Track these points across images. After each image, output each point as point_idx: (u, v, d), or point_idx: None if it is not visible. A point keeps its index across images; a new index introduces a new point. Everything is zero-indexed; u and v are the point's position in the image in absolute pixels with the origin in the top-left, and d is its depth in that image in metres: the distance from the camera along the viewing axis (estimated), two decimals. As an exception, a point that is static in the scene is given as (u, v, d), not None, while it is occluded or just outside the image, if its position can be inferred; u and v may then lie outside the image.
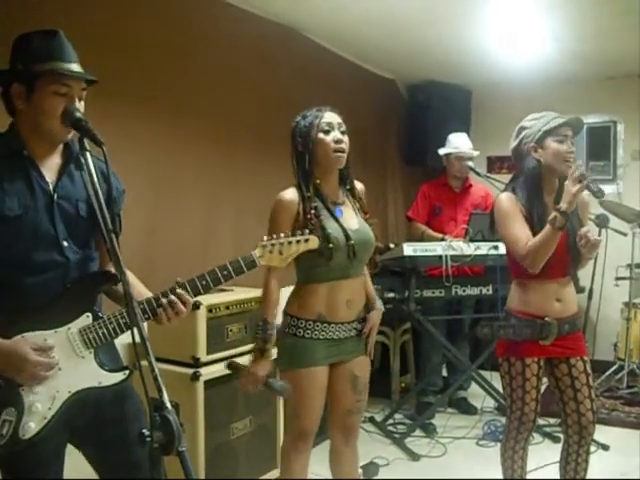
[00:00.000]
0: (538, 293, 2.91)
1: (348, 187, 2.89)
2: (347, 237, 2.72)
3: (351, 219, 2.81)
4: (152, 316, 2.04)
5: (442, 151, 5.31)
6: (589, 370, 2.98)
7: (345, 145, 2.77)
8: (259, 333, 2.73)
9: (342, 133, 2.78)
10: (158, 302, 2.03)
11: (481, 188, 5.41)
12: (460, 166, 5.18)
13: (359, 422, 3.04)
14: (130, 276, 2.14)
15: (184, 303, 2.04)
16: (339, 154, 2.75)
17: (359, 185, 2.97)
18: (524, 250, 2.79)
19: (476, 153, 5.29)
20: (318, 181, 2.78)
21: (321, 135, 2.74)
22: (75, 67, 1.98)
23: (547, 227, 2.72)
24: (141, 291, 2.15)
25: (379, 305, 2.96)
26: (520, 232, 2.84)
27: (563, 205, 2.69)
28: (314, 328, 2.75)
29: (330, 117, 2.78)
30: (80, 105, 2.00)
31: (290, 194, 2.76)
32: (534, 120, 2.97)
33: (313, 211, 2.69)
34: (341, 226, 2.73)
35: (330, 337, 2.78)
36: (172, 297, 2.03)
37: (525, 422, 2.96)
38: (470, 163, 5.14)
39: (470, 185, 5.37)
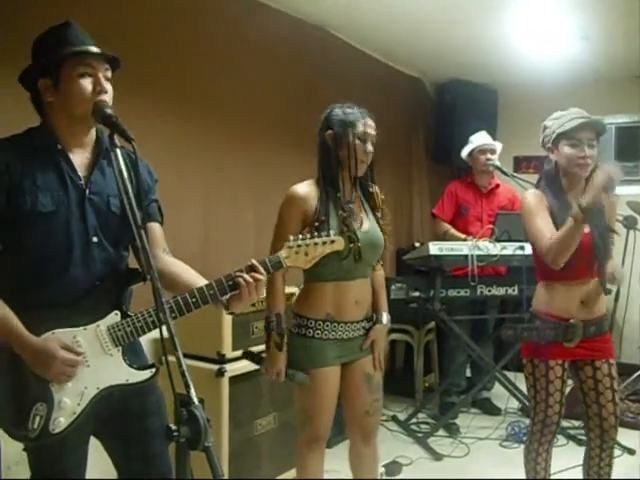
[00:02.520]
0: (563, 294, 2.89)
1: (369, 189, 2.86)
2: (352, 239, 2.68)
3: (360, 221, 2.79)
4: (230, 291, 2.03)
5: (464, 152, 5.29)
6: (614, 373, 2.94)
7: (370, 157, 2.76)
8: (274, 328, 2.72)
9: (372, 145, 2.75)
10: (230, 279, 2.03)
11: (508, 189, 5.36)
12: (485, 159, 5.15)
13: (378, 423, 3.02)
14: (178, 264, 2.18)
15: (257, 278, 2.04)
16: (364, 166, 2.75)
17: (374, 186, 2.92)
18: (547, 245, 2.76)
19: (498, 144, 5.25)
20: (339, 179, 2.76)
21: (357, 142, 2.71)
22: (94, 49, 1.99)
23: (568, 221, 2.68)
24: (197, 280, 2.11)
25: (384, 319, 2.91)
26: (544, 227, 2.81)
27: (584, 200, 2.64)
28: (324, 328, 2.75)
29: (370, 127, 2.75)
30: (108, 86, 2.01)
31: (305, 188, 2.73)
32: (554, 120, 2.92)
33: (343, 209, 2.69)
34: (347, 227, 2.70)
35: (340, 337, 2.77)
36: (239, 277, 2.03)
37: (549, 424, 2.94)
38: (497, 162, 5.10)
39: (497, 185, 5.33)
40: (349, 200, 2.78)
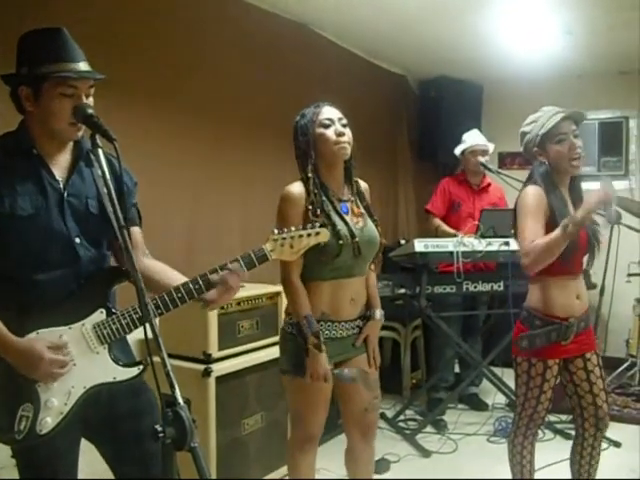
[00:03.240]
0: (560, 291, 2.87)
1: (354, 184, 2.83)
2: (352, 235, 2.67)
3: (356, 217, 2.78)
4: (205, 290, 2.05)
5: (457, 150, 5.32)
6: (601, 363, 2.98)
7: (347, 137, 2.71)
8: (307, 331, 2.63)
9: (343, 126, 2.72)
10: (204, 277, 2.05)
11: (498, 189, 5.42)
12: (475, 161, 5.18)
13: (377, 419, 3.00)
14: (158, 265, 2.19)
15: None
16: (342, 145, 2.69)
17: (363, 184, 2.92)
18: (527, 247, 2.73)
19: (491, 145, 5.29)
20: (321, 178, 2.73)
21: (321, 130, 2.70)
22: (82, 66, 1.97)
23: (557, 231, 2.66)
24: (177, 278, 2.12)
25: (378, 315, 2.88)
26: (531, 228, 2.77)
27: (579, 215, 2.63)
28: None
29: (329, 112, 2.73)
30: (89, 102, 2.00)
31: (298, 188, 2.70)
32: (533, 123, 2.92)
33: (323, 205, 2.66)
34: (346, 223, 2.70)
35: (334, 336, 2.75)
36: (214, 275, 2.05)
37: (536, 419, 2.96)
38: (482, 159, 5.13)
39: (489, 184, 5.38)
40: (340, 197, 2.77)
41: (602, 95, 6.39)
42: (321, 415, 2.81)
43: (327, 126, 2.70)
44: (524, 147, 2.97)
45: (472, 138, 5.28)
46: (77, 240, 2.03)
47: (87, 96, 1.99)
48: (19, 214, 1.93)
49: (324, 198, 2.70)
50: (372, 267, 2.92)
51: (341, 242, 2.63)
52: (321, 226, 2.32)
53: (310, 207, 2.65)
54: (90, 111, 1.92)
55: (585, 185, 2.99)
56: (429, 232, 5.27)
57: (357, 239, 2.68)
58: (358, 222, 2.76)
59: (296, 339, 2.69)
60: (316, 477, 3.00)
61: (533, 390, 2.93)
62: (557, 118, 2.82)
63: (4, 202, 1.92)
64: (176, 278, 2.10)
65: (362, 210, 2.82)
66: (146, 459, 2.13)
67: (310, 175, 2.70)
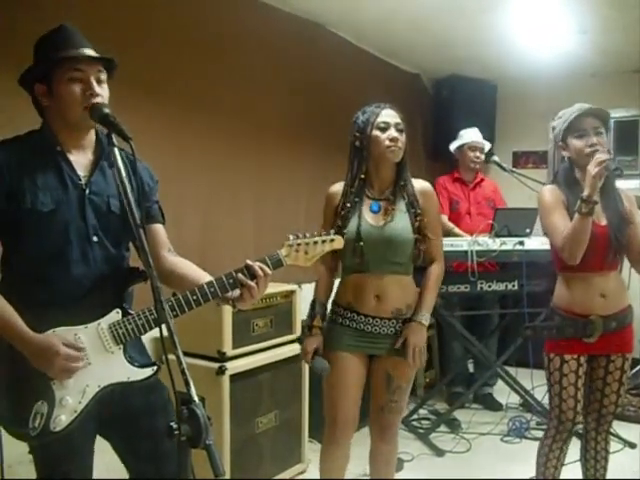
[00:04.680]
0: (582, 288, 2.87)
1: (402, 183, 2.87)
2: (357, 238, 2.75)
3: (384, 215, 2.81)
4: (224, 293, 2.06)
5: (453, 145, 5.42)
6: (626, 367, 2.95)
7: (401, 143, 2.81)
8: (309, 311, 2.93)
9: (399, 131, 2.81)
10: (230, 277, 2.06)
11: (491, 183, 5.52)
12: (473, 156, 5.24)
13: (395, 421, 3.01)
14: (185, 264, 2.22)
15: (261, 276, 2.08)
16: (392, 149, 2.78)
17: (419, 184, 2.93)
18: (562, 241, 2.76)
19: (487, 144, 5.38)
20: (363, 176, 2.83)
21: (376, 132, 2.79)
22: (87, 51, 2.00)
23: (575, 215, 2.70)
24: (202, 277, 2.13)
25: (421, 318, 2.84)
26: (559, 222, 2.82)
27: (585, 191, 2.67)
28: (345, 315, 2.84)
29: (387, 115, 2.83)
30: (102, 89, 2.01)
31: (335, 187, 2.91)
32: (559, 118, 2.94)
33: (348, 205, 2.80)
34: (359, 226, 2.77)
35: (361, 328, 2.81)
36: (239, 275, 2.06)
37: (564, 421, 2.92)
38: (495, 157, 5.14)
39: (482, 179, 5.46)
40: (376, 196, 2.86)
41: (616, 94, 6.33)
42: (347, 398, 2.86)
43: (383, 129, 2.80)
44: (553, 142, 3.00)
45: (470, 134, 5.37)
46: (95, 239, 2.04)
47: (98, 81, 2.00)
48: (39, 209, 1.95)
49: (356, 198, 2.82)
50: (436, 262, 2.95)
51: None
52: (336, 233, 2.36)
53: (340, 205, 2.83)
54: (106, 110, 1.93)
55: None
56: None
57: (361, 242, 2.75)
58: (384, 219, 2.80)
59: (330, 322, 2.90)
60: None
61: (554, 387, 2.93)
62: (576, 113, 2.85)
63: (25, 197, 1.94)
64: (201, 278, 2.12)
65: (398, 208, 2.83)
66: (160, 457, 2.14)
67: (351, 174, 2.86)
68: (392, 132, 2.79)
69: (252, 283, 2.06)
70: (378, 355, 2.86)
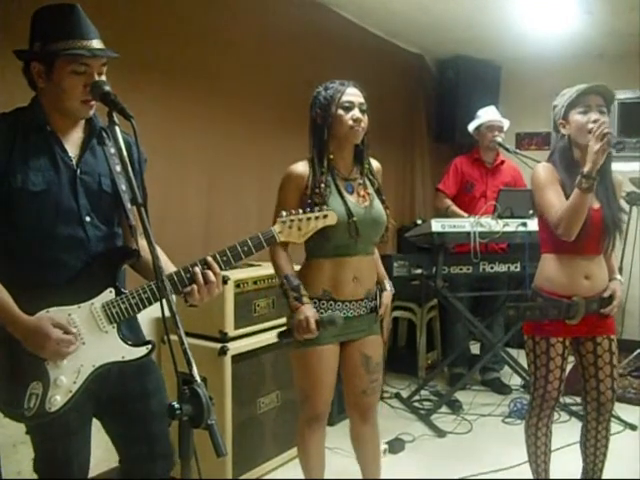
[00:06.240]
0: (566, 269, 2.87)
1: (366, 165, 2.83)
2: (349, 214, 2.67)
3: (362, 196, 2.77)
4: (181, 288, 2.04)
5: (472, 126, 5.28)
6: (614, 349, 2.95)
7: (364, 124, 2.72)
8: (287, 287, 2.69)
9: (362, 112, 2.72)
10: (187, 272, 2.04)
11: (513, 167, 5.37)
12: (492, 136, 5.13)
13: (376, 401, 2.99)
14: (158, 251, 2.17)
15: (215, 274, 2.05)
16: (355, 130, 2.70)
17: (376, 165, 2.91)
18: (558, 216, 2.74)
19: (506, 122, 5.24)
20: (332, 156, 2.74)
21: (340, 112, 2.69)
22: (95, 43, 1.96)
23: (575, 191, 2.68)
24: (168, 267, 2.13)
25: (388, 286, 2.93)
26: (554, 199, 2.79)
27: (586, 167, 2.64)
28: (320, 306, 2.73)
29: (352, 94, 2.72)
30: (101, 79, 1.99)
31: (301, 167, 2.73)
32: (562, 96, 2.91)
33: (323, 185, 2.66)
34: (345, 203, 2.69)
35: None
36: (196, 269, 2.04)
37: (547, 400, 2.96)
38: (499, 138, 5.09)
39: (502, 162, 5.34)
40: (346, 176, 2.77)
41: (622, 75, 6.29)
42: (325, 393, 2.82)
43: (347, 109, 2.70)
44: (553, 119, 2.96)
45: (488, 114, 5.24)
46: (87, 219, 2.03)
47: (100, 74, 1.98)
48: (30, 189, 1.93)
49: (329, 177, 2.71)
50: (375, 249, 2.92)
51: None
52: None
53: (310, 186, 2.67)
54: (107, 88, 1.91)
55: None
56: (438, 212, 5.25)
57: (355, 218, 2.67)
58: (365, 201, 2.76)
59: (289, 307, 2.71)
60: (331, 457, 3.02)
61: (540, 369, 2.94)
62: (581, 89, 2.82)
63: (16, 177, 1.92)
64: (166, 268, 2.07)
65: (370, 191, 2.81)
66: (151, 439, 2.17)
67: (317, 154, 2.73)
68: (356, 112, 2.69)
69: (203, 284, 2.04)
70: (350, 340, 2.82)
